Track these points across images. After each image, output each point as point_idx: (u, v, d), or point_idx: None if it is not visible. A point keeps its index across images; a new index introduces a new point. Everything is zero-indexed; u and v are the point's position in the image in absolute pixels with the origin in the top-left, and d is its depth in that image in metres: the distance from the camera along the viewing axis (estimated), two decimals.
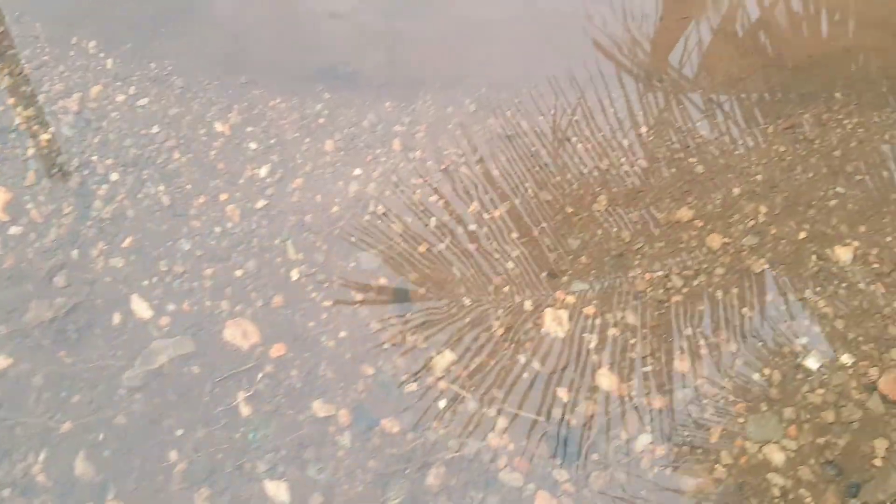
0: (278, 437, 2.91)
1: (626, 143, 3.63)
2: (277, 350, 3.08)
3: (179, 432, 2.90)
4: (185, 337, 3.09)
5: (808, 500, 2.82)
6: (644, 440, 2.93)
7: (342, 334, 3.12)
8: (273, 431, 2.92)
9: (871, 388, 3.07)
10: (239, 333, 3.11)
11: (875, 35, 4.01)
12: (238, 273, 3.25)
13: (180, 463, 2.83)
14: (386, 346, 3.10)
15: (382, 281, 3.24)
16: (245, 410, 2.96)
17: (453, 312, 3.18)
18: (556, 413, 2.97)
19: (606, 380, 3.05)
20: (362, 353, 3.08)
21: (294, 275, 3.25)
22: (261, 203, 3.41)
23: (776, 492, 2.83)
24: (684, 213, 3.44)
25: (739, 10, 4.13)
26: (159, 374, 3.01)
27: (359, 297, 3.20)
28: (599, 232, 3.40)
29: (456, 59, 3.87)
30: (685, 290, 3.27)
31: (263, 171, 3.49)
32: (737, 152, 3.61)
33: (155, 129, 3.60)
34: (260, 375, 3.03)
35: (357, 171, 3.50)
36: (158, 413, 2.94)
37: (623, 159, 3.58)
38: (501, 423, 2.95)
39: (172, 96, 3.71)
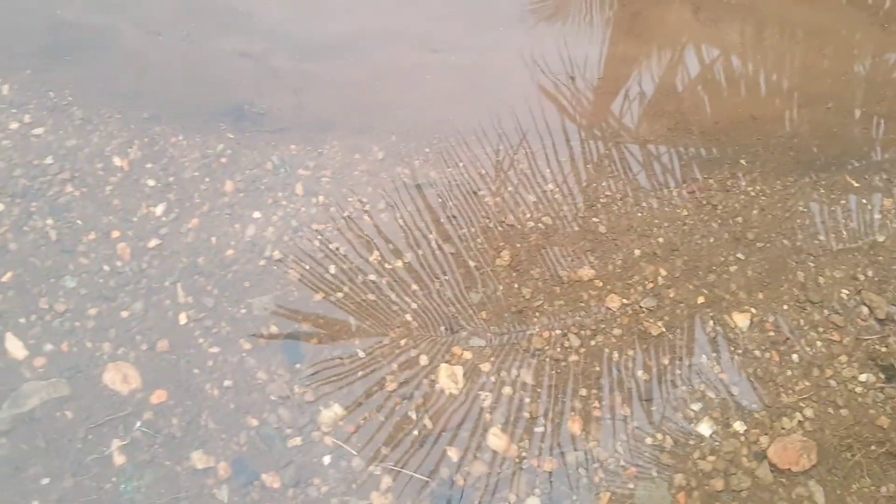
0: (152, 488, 2.77)
1: (532, 199, 3.61)
2: (158, 396, 2.95)
3: (45, 481, 2.73)
4: (60, 379, 2.94)
5: None
6: (532, 503, 2.87)
7: (227, 383, 3.00)
8: (147, 482, 2.78)
9: (762, 456, 3.07)
10: (119, 378, 2.97)
11: (782, 104, 4.10)
12: (124, 314, 3.11)
13: None
14: (272, 397, 2.99)
15: (274, 329, 3.13)
16: (119, 459, 2.81)
17: (346, 365, 3.09)
18: (445, 473, 2.89)
19: (498, 440, 2.98)
20: (247, 404, 2.97)
21: (182, 319, 3.12)
22: (153, 242, 3.28)
23: None
24: (585, 273, 3.43)
25: (650, 73, 4.18)
26: (29, 419, 2.84)
27: (247, 345, 3.09)
28: (501, 287, 3.36)
29: (367, 104, 3.81)
30: (582, 349, 3.24)
31: (159, 210, 3.37)
32: (640, 214, 3.62)
33: (49, 160, 3.45)
34: (138, 423, 2.89)
35: (256, 214, 3.41)
36: (24, 460, 2.77)
37: (528, 215, 3.56)
38: (387, 481, 2.86)
39: (71, 127, 3.57)
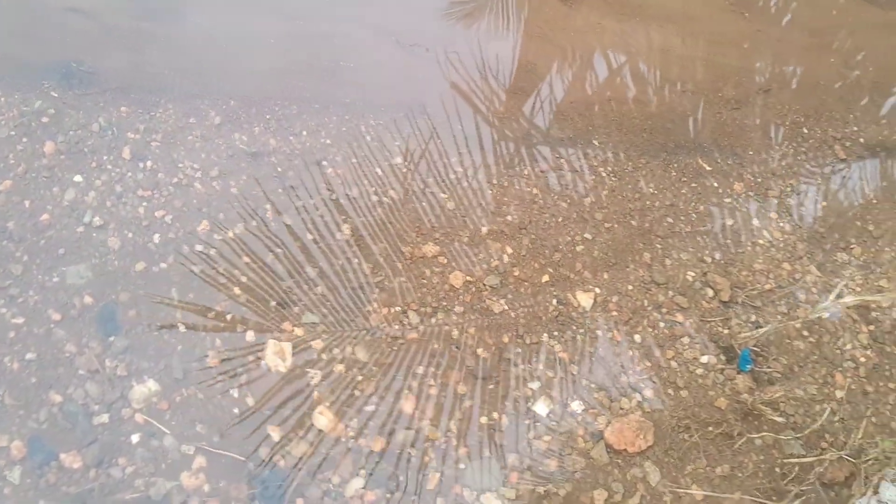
0: None
1: (379, 172, 3.47)
2: None
3: None
4: None
5: None
6: (356, 484, 2.73)
7: (30, 356, 2.76)
8: None
9: (598, 437, 3.01)
10: None
11: (638, 86, 4.08)
12: None
13: None
14: (81, 371, 2.76)
15: (88, 300, 2.90)
16: None
17: (165, 339, 2.89)
18: (264, 452, 2.73)
19: (324, 418, 2.83)
20: (51, 379, 2.73)
21: None
22: None
23: None
24: (430, 249, 3.31)
25: (507, 50, 4.10)
26: None
27: (57, 316, 2.85)
28: (340, 262, 3.21)
29: (207, 68, 3.59)
30: (421, 327, 3.12)
31: None
32: (490, 191, 3.53)
33: None
34: None
35: (77, 178, 3.16)
36: None
37: (374, 188, 3.43)
38: (200, 461, 2.67)
39: None
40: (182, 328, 2.92)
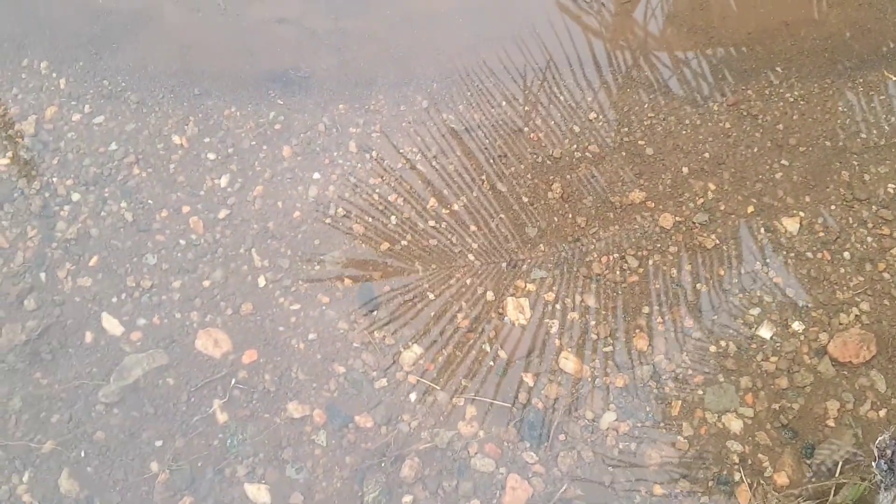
0: (256, 440, 3.00)
1: (576, 129, 3.72)
2: (249, 356, 3.16)
3: (159, 443, 2.97)
4: (157, 350, 3.16)
5: (766, 463, 2.96)
6: (608, 418, 3.05)
7: (311, 336, 3.20)
8: (250, 435, 3.00)
9: (822, 352, 3.20)
10: (210, 343, 3.18)
11: (813, 7, 4.12)
12: (206, 283, 3.31)
13: (161, 473, 2.91)
14: (355, 344, 3.18)
15: (348, 282, 3.32)
16: (222, 417, 3.04)
17: (418, 308, 3.27)
18: (523, 398, 3.08)
19: (569, 362, 3.16)
20: (332, 353, 3.17)
21: (261, 281, 3.32)
22: (223, 213, 3.47)
23: (735, 458, 2.97)
24: (636, 195, 3.54)
25: None
26: (135, 389, 3.08)
27: (325, 298, 3.28)
28: (556, 219, 3.49)
29: (405, 55, 3.92)
30: (640, 270, 3.38)
31: (224, 181, 3.55)
32: (684, 132, 3.72)
33: (113, 146, 3.64)
34: (233, 382, 3.11)
35: (316, 175, 3.57)
36: (137, 426, 3.01)
37: (575, 146, 3.68)
38: (471, 411, 3.05)
39: (128, 112, 3.74)
40: (431, 296, 3.30)
